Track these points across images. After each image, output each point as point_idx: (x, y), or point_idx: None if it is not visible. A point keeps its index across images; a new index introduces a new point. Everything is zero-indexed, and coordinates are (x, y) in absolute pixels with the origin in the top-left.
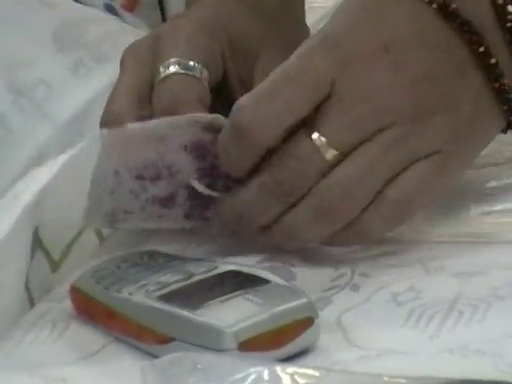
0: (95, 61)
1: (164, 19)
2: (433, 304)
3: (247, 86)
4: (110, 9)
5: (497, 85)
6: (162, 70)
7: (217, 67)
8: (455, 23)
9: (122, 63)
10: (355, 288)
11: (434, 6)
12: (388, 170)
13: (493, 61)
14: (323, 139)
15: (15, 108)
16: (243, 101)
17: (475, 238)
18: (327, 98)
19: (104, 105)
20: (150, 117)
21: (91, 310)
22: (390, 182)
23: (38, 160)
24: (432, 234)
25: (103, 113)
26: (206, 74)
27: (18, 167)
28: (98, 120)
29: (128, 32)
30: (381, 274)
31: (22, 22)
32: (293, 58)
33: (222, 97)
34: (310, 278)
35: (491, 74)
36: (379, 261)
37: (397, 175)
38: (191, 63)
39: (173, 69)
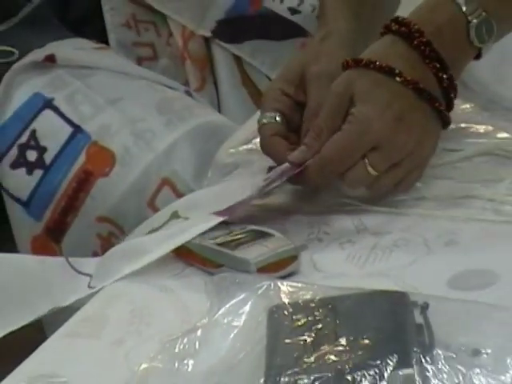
0: (179, 120)
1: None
2: (361, 248)
3: None
4: (188, 93)
5: (442, 116)
6: (260, 119)
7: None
8: (423, 96)
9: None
10: (320, 240)
11: (410, 87)
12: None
13: (442, 108)
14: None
15: (135, 144)
16: None
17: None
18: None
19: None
20: None
21: (181, 251)
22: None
23: (145, 173)
24: (369, 207)
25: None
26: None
27: (134, 177)
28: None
29: (197, 106)
30: (334, 233)
31: (141, 98)
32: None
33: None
34: (295, 234)
35: (443, 118)
36: (334, 225)
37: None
38: (276, 117)
39: (265, 120)
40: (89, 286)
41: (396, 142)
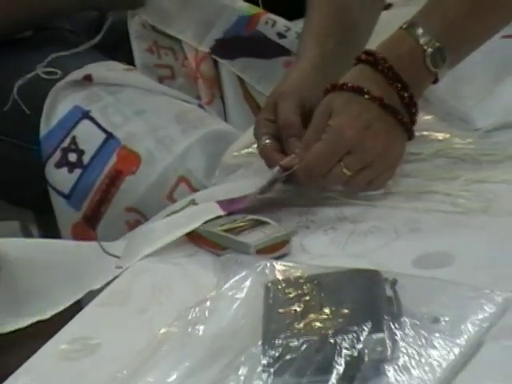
0: (193, 128)
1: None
2: (341, 234)
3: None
4: (200, 106)
5: (406, 129)
6: (257, 145)
7: None
8: (388, 110)
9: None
10: (307, 227)
11: (376, 102)
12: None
13: (405, 120)
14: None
15: (156, 148)
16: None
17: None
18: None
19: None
20: None
21: (193, 236)
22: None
23: (165, 172)
24: (348, 200)
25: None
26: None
27: (156, 175)
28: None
29: (208, 116)
30: (319, 221)
31: (161, 110)
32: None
33: None
34: (287, 222)
35: (407, 130)
36: (319, 215)
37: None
38: (267, 140)
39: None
40: (116, 267)
41: (365, 146)
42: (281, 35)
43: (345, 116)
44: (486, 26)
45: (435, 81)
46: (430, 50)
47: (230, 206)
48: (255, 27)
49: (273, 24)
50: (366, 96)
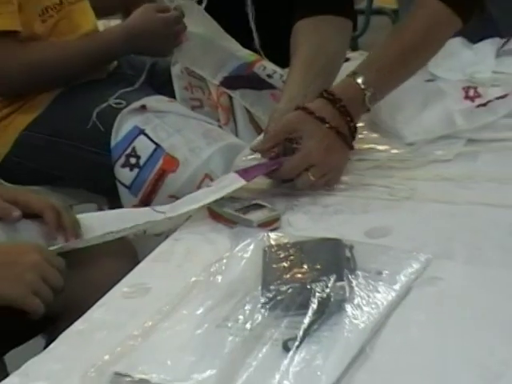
0: (214, 141)
1: (236, 129)
2: (316, 214)
3: None
4: (220, 127)
5: (351, 147)
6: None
7: None
8: (340, 137)
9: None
10: (292, 209)
11: (333, 130)
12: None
13: (350, 142)
14: None
15: (190, 155)
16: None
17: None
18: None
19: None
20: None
21: (214, 214)
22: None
23: (195, 171)
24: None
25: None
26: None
27: (189, 173)
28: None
29: (225, 133)
30: (300, 205)
31: (193, 129)
32: None
33: None
34: (278, 205)
35: (350, 147)
36: (300, 200)
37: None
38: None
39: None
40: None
41: (325, 162)
42: (269, 76)
43: (312, 141)
44: (410, 71)
45: (367, 111)
46: (368, 93)
47: (245, 174)
48: (252, 69)
49: (264, 68)
50: (327, 125)
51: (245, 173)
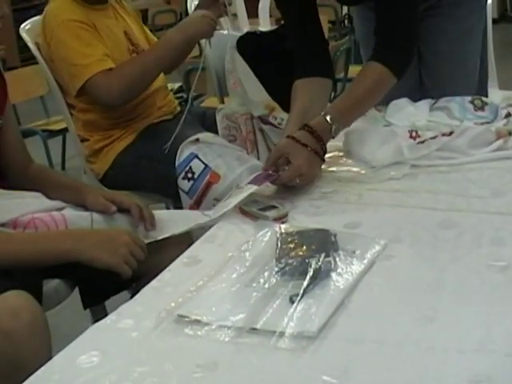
0: (244, 163)
1: (258, 156)
2: (310, 213)
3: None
4: (247, 153)
5: (323, 161)
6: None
7: None
8: (318, 156)
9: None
10: (296, 207)
11: (313, 152)
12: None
13: (323, 158)
14: None
15: (228, 172)
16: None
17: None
18: None
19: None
20: None
21: (243, 211)
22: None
23: (231, 183)
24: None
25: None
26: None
27: (227, 184)
28: (244, 175)
29: (251, 158)
30: (300, 206)
31: (229, 157)
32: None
33: None
34: (286, 206)
35: (323, 161)
36: (301, 202)
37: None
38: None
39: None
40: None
41: (309, 173)
42: (279, 124)
43: (300, 160)
44: (361, 112)
45: (333, 138)
46: (334, 127)
47: (255, 181)
48: (268, 117)
49: (275, 118)
50: (309, 148)
51: (254, 181)
